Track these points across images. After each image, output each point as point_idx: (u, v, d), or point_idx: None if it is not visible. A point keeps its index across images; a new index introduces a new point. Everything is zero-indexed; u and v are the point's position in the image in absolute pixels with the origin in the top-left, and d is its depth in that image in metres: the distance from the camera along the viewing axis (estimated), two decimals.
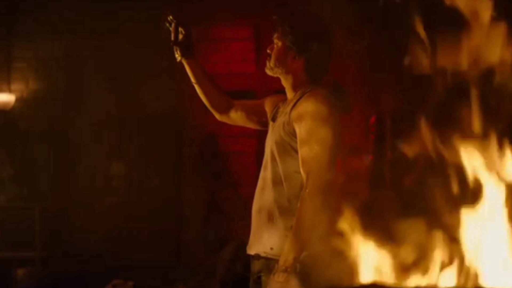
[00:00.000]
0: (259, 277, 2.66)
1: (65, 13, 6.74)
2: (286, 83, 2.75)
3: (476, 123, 2.05)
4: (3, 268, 6.01)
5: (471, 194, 2.02)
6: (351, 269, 1.94)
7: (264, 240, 2.64)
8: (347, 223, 2.03)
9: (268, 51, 2.75)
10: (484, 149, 2.03)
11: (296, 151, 2.58)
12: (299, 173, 2.56)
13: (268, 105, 2.90)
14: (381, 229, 2.04)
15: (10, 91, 6.90)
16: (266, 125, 2.87)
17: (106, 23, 6.70)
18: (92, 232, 6.51)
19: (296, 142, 2.59)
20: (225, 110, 2.99)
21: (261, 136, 2.98)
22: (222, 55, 6.56)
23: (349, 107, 6.90)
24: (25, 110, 6.89)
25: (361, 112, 6.36)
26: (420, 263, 1.95)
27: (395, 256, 1.94)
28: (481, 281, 1.93)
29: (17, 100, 6.86)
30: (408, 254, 1.97)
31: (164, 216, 6.57)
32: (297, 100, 2.65)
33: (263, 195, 2.69)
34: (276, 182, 2.64)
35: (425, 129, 2.08)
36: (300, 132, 2.57)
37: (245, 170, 6.26)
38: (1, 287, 5.85)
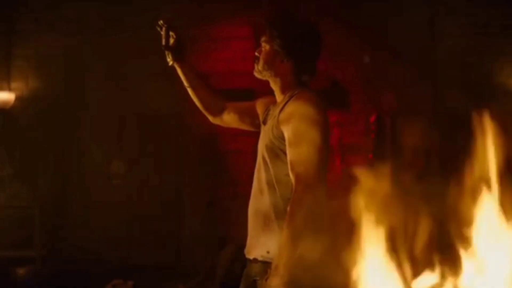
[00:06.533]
0: (255, 281, 2.65)
1: (65, 11, 6.74)
2: (275, 86, 2.74)
3: None
4: (3, 267, 6.00)
5: None
6: (345, 273, 1.91)
7: (261, 244, 2.62)
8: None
9: (256, 54, 2.74)
10: None
11: (286, 155, 2.56)
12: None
13: (259, 107, 2.89)
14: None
15: (10, 89, 6.89)
16: (259, 126, 2.85)
17: (107, 21, 6.70)
18: (92, 231, 6.51)
19: (285, 145, 2.56)
20: (218, 113, 2.99)
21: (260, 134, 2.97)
22: (222, 54, 6.56)
23: (348, 105, 6.90)
24: (25, 109, 6.88)
25: (361, 111, 6.36)
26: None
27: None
28: None
29: (17, 98, 6.85)
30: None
31: (164, 216, 6.57)
32: (285, 103, 2.63)
33: (259, 199, 2.67)
34: (270, 185, 2.62)
35: None
36: (288, 135, 2.54)
37: (245, 168, 6.25)
38: (1, 286, 5.84)
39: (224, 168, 6.54)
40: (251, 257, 2.69)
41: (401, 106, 6.12)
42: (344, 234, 1.93)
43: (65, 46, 6.78)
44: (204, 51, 6.46)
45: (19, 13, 6.91)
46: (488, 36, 6.19)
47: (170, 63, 2.90)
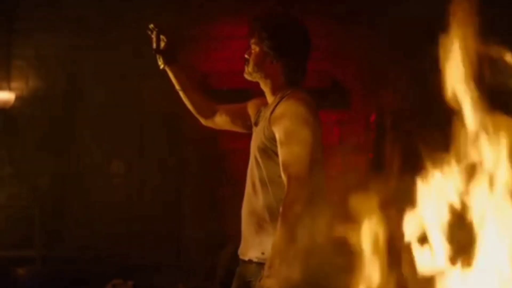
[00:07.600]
0: (250, 282, 2.64)
1: (65, 11, 6.74)
2: (265, 87, 2.74)
3: None
4: (3, 267, 6.00)
5: None
6: (338, 274, 1.91)
7: (256, 245, 2.61)
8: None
9: (246, 56, 2.74)
10: None
11: (278, 156, 2.54)
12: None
13: (251, 109, 2.89)
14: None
15: (10, 89, 6.89)
16: (251, 128, 2.85)
17: (107, 20, 6.69)
18: (92, 231, 6.50)
19: (277, 146, 2.55)
20: (210, 116, 3.00)
21: None
22: (222, 53, 6.55)
23: (348, 105, 6.89)
24: (25, 109, 6.87)
25: (361, 110, 6.36)
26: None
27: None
28: None
29: (17, 98, 6.85)
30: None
31: (164, 216, 6.56)
32: (276, 104, 2.63)
33: (252, 200, 2.66)
34: (263, 187, 2.61)
35: None
36: (279, 135, 2.53)
37: (245, 168, 6.24)
38: (1, 286, 5.84)
39: (224, 168, 6.53)
40: (245, 258, 2.68)
41: (401, 106, 6.11)
42: (341, 232, 1.93)
43: (65, 46, 6.78)
44: (204, 50, 6.45)
45: (19, 13, 6.91)
46: (488, 36, 6.18)
47: (161, 66, 2.91)
